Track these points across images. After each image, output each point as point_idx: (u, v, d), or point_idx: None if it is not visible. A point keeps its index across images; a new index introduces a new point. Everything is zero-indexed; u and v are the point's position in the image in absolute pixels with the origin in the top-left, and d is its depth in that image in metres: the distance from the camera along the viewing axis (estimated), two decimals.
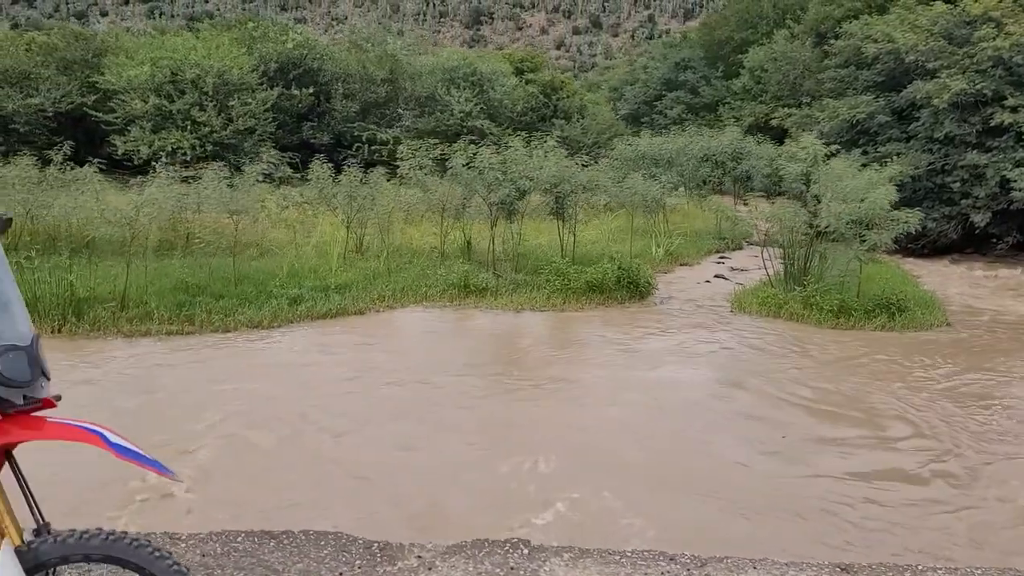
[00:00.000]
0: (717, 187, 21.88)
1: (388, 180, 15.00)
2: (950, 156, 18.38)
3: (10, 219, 2.49)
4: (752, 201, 16.42)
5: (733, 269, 15.97)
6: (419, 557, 3.57)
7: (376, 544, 3.67)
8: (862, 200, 10.93)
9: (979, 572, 3.76)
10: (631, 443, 5.73)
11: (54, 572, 2.35)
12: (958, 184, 18.09)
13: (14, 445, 2.30)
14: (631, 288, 12.24)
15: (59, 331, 9.51)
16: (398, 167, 14.78)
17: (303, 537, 3.73)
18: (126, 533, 2.32)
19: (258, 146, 27.03)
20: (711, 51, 46.56)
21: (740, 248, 19.52)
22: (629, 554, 3.66)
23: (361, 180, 13.87)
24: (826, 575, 3.50)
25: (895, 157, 17.07)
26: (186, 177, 14.25)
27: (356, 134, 30.84)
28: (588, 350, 9.05)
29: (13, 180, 12.83)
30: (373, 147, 30.17)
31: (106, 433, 2.32)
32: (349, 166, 14.03)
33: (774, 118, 24.50)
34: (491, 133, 31.29)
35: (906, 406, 6.90)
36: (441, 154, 14.13)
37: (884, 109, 19.99)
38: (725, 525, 4.35)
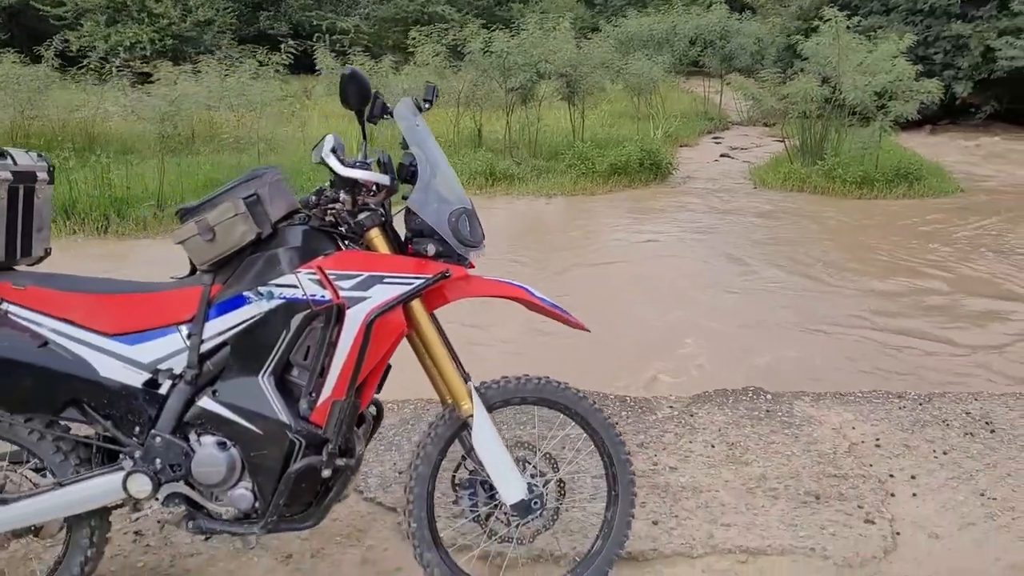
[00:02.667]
0: (699, 67, 21.93)
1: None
2: (932, 27, 18.69)
3: (437, 90, 2.56)
4: (734, 80, 16.54)
5: (733, 148, 16.25)
6: (671, 407, 3.87)
7: (628, 398, 3.96)
8: (888, 72, 11.21)
9: None
10: (747, 307, 6.09)
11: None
12: (940, 55, 18.48)
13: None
14: (653, 170, 12.45)
15: (104, 232, 9.32)
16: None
17: None
18: (549, 377, 2.54)
19: (218, 38, 26.04)
20: None
21: (728, 128, 19.83)
22: (859, 394, 4.04)
23: (370, 70, 13.61)
24: None
25: (877, 31, 17.30)
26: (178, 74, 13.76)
27: (315, 23, 29.78)
28: (641, 227, 9.29)
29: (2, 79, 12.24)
30: (333, 36, 29.21)
31: (529, 287, 2.51)
32: (355, 54, 13.73)
33: None
34: (452, 20, 30.49)
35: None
36: (453, 40, 13.90)
37: None
38: (882, 367, 4.77)
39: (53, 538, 2.51)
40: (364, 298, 2.23)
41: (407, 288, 2.26)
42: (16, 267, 2.38)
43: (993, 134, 18.26)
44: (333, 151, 2.26)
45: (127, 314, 2.31)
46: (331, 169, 2.24)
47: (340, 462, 2.28)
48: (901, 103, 11.31)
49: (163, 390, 2.30)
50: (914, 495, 3.12)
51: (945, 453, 3.42)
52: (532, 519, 2.46)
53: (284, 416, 2.23)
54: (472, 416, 2.39)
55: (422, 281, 2.27)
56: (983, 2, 17.84)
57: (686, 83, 23.72)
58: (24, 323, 2.26)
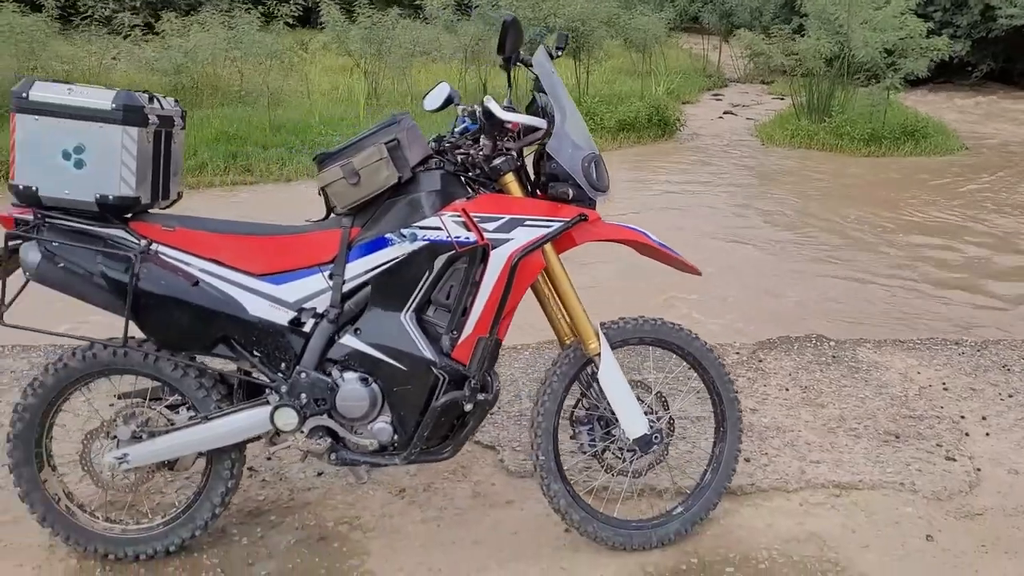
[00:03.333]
0: (697, 23, 21.92)
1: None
2: None
3: (568, 38, 2.63)
4: (743, 36, 16.52)
5: (735, 105, 16.30)
6: (737, 353, 4.00)
7: None
8: (899, 28, 11.28)
9: None
10: (778, 257, 6.22)
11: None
12: (940, 14, 18.55)
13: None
14: (661, 126, 12.50)
15: None
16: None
17: None
18: (663, 319, 2.65)
19: None
20: None
21: (726, 86, 19.86)
22: (919, 341, 4.19)
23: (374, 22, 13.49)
24: None
25: None
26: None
27: None
28: (657, 181, 9.36)
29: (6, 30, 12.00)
30: None
31: (647, 231, 2.60)
32: (361, 6, 13.58)
33: None
34: None
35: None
36: None
37: None
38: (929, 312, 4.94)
39: (187, 470, 2.62)
40: (507, 239, 2.32)
41: (547, 230, 2.35)
42: (150, 210, 2.44)
43: (989, 93, 18.43)
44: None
45: (272, 255, 2.39)
46: (491, 113, 2.31)
47: (481, 396, 2.38)
48: (912, 60, 11.39)
49: (307, 328, 2.39)
50: (987, 435, 3.28)
51: (1011, 396, 3.59)
52: (651, 453, 2.59)
53: (428, 353, 2.33)
54: (599, 355, 2.49)
55: (561, 224, 2.36)
56: None
57: (684, 40, 23.69)
58: (175, 263, 2.33)
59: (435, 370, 2.33)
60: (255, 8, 13.64)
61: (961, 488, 2.91)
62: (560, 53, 2.53)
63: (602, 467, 2.66)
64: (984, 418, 3.40)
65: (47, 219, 2.28)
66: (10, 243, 2.31)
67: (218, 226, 2.40)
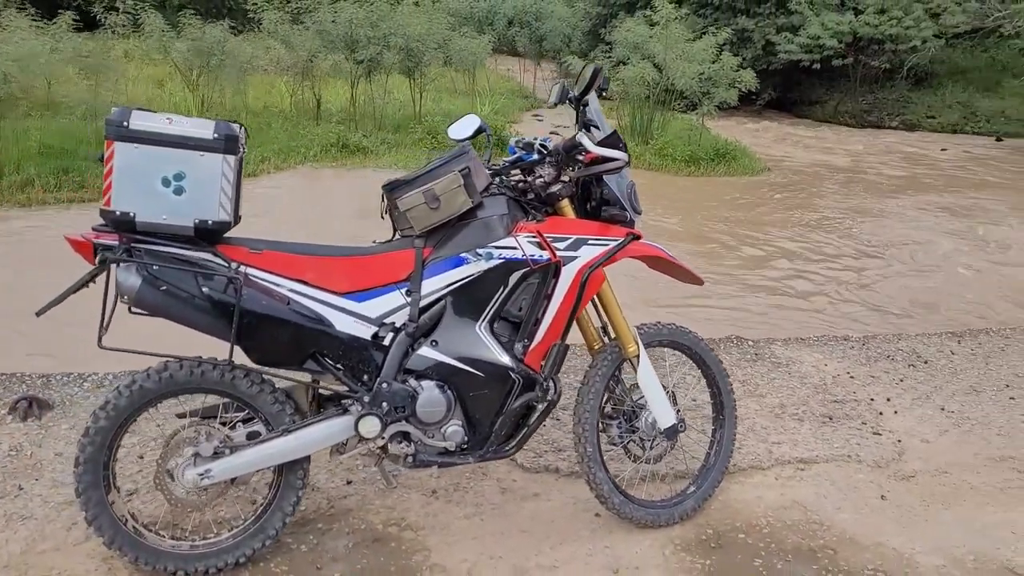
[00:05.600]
0: (512, 46, 22.81)
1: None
2: (719, 21, 20.66)
3: (608, 80, 2.94)
4: (574, 63, 17.49)
5: (557, 126, 17.17)
6: (674, 354, 4.48)
7: None
8: (713, 60, 12.50)
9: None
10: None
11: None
12: (727, 47, 20.45)
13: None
14: (500, 145, 13.03)
15: None
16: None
17: None
18: (676, 324, 3.05)
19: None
20: None
21: (541, 107, 20.83)
22: (815, 339, 4.85)
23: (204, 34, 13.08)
24: (945, 340, 4.92)
25: (670, 23, 18.95)
26: None
27: None
28: None
29: None
30: None
31: (664, 248, 2.99)
32: (186, 17, 13.13)
33: None
34: None
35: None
36: (296, 7, 13.66)
37: None
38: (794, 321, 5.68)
39: (246, 484, 2.72)
40: (575, 257, 2.63)
41: (606, 248, 2.68)
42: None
43: (770, 119, 20.57)
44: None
45: (352, 275, 2.55)
46: (581, 147, 2.60)
47: (550, 397, 2.67)
48: (723, 90, 12.64)
49: (385, 342, 2.57)
50: (896, 413, 3.94)
51: (902, 380, 4.30)
52: (675, 442, 2.97)
53: (506, 359, 2.59)
54: (637, 356, 2.85)
55: (617, 243, 2.70)
56: (764, 0, 20.00)
57: (500, 63, 24.57)
58: (265, 284, 2.44)
59: (512, 375, 2.59)
60: (65, 12, 12.80)
61: (893, 456, 3.52)
62: (604, 93, 2.87)
63: (628, 456, 3.01)
64: (888, 399, 4.07)
65: (135, 244, 2.32)
66: (101, 266, 2.33)
67: (300, 248, 2.53)
